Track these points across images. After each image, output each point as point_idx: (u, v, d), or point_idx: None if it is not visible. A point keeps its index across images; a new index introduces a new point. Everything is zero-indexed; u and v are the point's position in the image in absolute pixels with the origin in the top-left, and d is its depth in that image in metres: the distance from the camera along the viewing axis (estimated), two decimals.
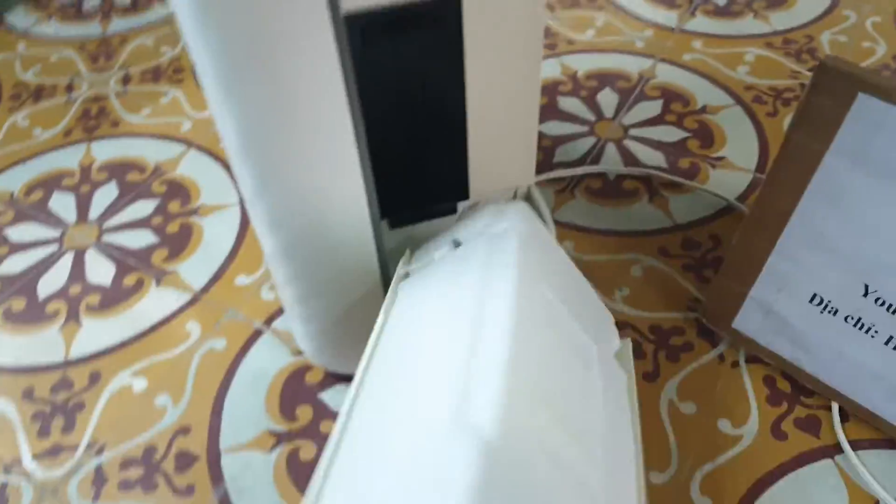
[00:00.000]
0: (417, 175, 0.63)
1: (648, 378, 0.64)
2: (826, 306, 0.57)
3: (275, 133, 0.44)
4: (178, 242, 0.80)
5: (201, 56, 0.41)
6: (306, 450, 0.61)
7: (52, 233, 0.83)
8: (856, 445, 0.59)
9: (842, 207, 0.53)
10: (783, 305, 0.60)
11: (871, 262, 0.53)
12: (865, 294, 0.55)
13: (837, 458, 0.58)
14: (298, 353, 0.68)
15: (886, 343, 0.55)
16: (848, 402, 0.60)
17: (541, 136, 0.89)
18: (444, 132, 0.60)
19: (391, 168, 0.61)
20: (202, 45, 0.40)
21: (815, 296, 0.57)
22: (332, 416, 0.63)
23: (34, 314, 0.75)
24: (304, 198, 0.48)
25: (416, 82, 0.56)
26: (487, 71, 0.56)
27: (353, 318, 0.58)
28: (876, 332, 0.55)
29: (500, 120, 0.60)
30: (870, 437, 0.59)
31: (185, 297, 0.74)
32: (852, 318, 0.56)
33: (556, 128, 0.90)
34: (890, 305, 0.53)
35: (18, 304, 0.76)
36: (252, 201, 0.50)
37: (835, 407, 0.61)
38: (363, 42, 0.51)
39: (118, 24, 1.20)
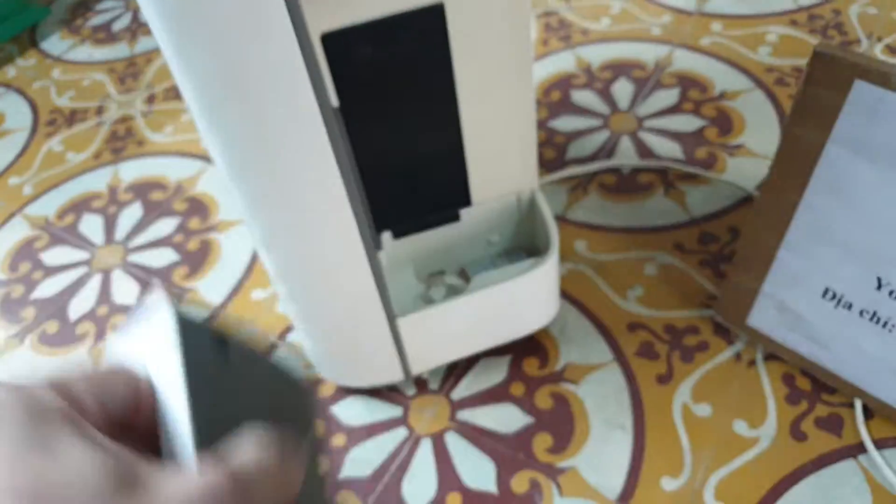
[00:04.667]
0: (416, 185, 0.63)
1: (662, 381, 0.62)
2: (840, 301, 0.55)
3: (254, 158, 0.44)
4: (198, 259, 0.82)
5: (185, 89, 0.42)
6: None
7: (82, 255, 0.86)
8: (880, 444, 0.56)
9: (846, 198, 0.51)
10: (797, 301, 0.58)
11: (881, 253, 0.51)
12: (879, 287, 0.52)
13: (861, 458, 0.56)
14: (311, 366, 0.69)
15: None
16: (871, 398, 0.57)
17: (553, 132, 0.88)
18: (439, 140, 0.60)
19: (387, 180, 0.61)
20: (184, 78, 0.41)
21: (827, 290, 0.55)
22: (343, 429, 0.64)
23: (66, 336, 0.77)
24: (292, 222, 0.48)
25: (404, 94, 0.56)
26: (477, 76, 0.56)
27: (357, 334, 0.58)
28: (893, 325, 0.53)
29: (495, 124, 0.60)
30: (895, 434, 0.57)
31: (203, 314, 0.76)
32: (867, 313, 0.54)
33: (569, 123, 0.89)
34: None
35: (52, 327, 0.79)
36: (247, 223, 0.51)
37: (858, 404, 0.58)
38: (344, 59, 0.51)
39: (145, 42, 1.23)
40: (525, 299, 0.62)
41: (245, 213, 0.50)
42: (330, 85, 0.52)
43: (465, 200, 0.64)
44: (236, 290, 0.78)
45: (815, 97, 0.49)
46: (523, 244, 0.69)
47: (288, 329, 0.72)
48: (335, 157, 0.44)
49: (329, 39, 0.49)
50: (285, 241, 0.50)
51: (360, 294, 0.54)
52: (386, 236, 0.64)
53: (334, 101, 0.53)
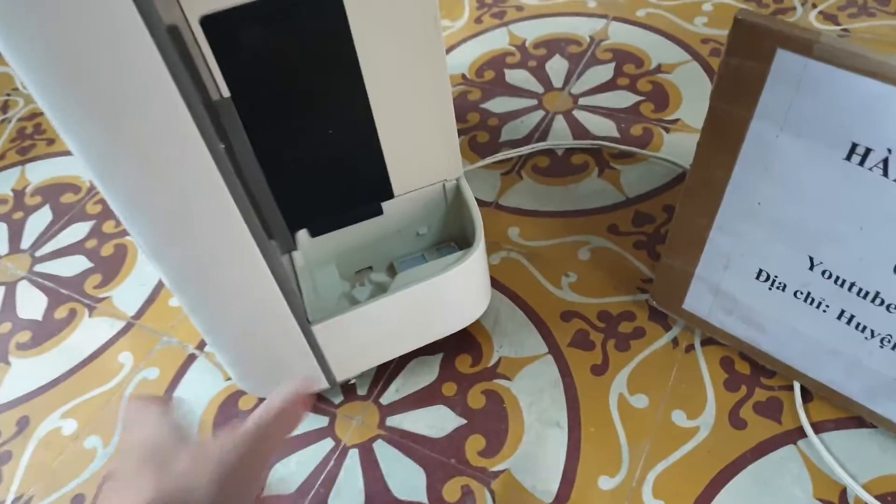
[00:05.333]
0: (330, 180, 0.58)
1: (597, 371, 0.60)
2: (773, 282, 0.52)
3: (119, 159, 0.40)
4: (112, 266, 0.77)
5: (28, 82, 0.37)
6: None
7: None
8: (819, 427, 0.54)
9: (774, 175, 0.48)
10: (731, 283, 0.55)
11: (811, 231, 0.48)
12: (811, 267, 0.50)
13: (800, 443, 0.54)
14: (228, 378, 0.64)
15: (839, 317, 0.50)
16: (809, 380, 0.55)
17: (487, 114, 0.84)
18: (350, 130, 0.55)
19: (298, 176, 0.57)
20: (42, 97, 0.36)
21: (760, 271, 0.53)
22: None
23: None
24: (174, 230, 0.44)
25: (304, 80, 0.51)
26: (384, 58, 0.51)
27: (269, 344, 0.54)
28: (827, 306, 0.50)
29: (410, 110, 0.55)
30: (834, 416, 0.55)
31: (118, 325, 0.71)
32: (801, 293, 0.51)
33: (502, 104, 0.85)
34: (837, 278, 0.49)
35: None
36: (130, 232, 0.46)
37: (797, 387, 0.56)
38: (230, 44, 0.47)
39: None
40: (452, 295, 0.58)
41: (123, 221, 0.45)
42: (218, 74, 0.47)
43: (387, 193, 0.60)
44: (153, 298, 0.73)
45: (739, 69, 0.46)
46: (454, 235, 0.65)
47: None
48: (212, 155, 0.39)
49: (210, 23, 0.44)
50: (171, 249, 0.46)
51: (265, 302, 0.49)
52: (303, 234, 0.60)
53: (224, 91, 0.48)
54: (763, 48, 0.44)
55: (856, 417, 0.54)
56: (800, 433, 0.54)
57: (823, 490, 0.51)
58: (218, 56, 0.46)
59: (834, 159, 0.44)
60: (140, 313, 0.72)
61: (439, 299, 0.58)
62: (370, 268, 0.65)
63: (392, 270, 0.65)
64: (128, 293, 0.74)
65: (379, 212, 0.61)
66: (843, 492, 0.51)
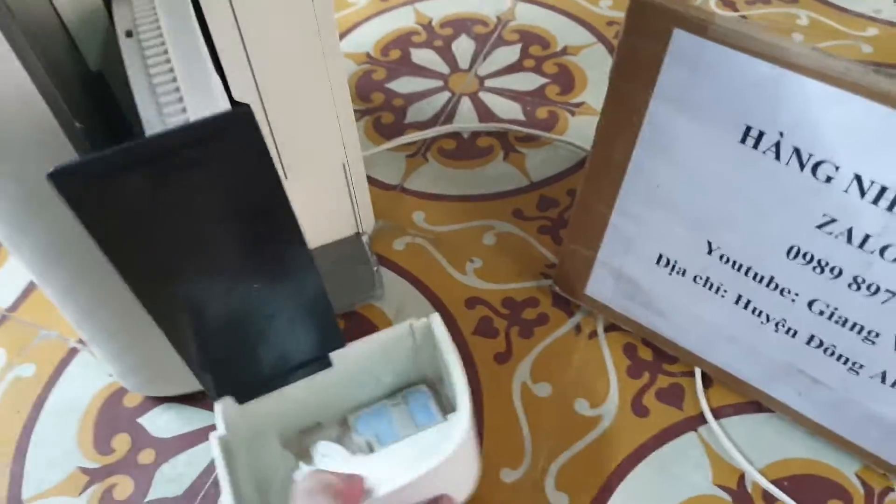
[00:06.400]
0: (262, 342, 0.44)
1: (501, 360, 0.58)
2: (674, 267, 0.52)
3: None
4: None
5: None
6: (123, 486, 0.54)
7: None
8: (719, 413, 0.54)
9: (672, 158, 0.47)
10: (632, 268, 0.54)
11: (708, 215, 0.48)
12: (710, 251, 0.49)
13: (701, 429, 0.54)
14: (111, 374, 0.60)
15: (736, 302, 0.50)
16: (709, 365, 0.55)
17: (392, 94, 0.82)
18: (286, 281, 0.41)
19: (217, 346, 0.42)
20: None
21: (661, 256, 0.52)
22: (153, 442, 0.56)
23: None
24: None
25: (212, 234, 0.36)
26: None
27: (149, 338, 0.50)
28: (725, 291, 0.50)
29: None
30: (734, 401, 0.55)
31: None
32: (700, 278, 0.51)
33: (408, 84, 0.83)
34: (734, 262, 0.48)
35: None
36: None
37: (697, 372, 0.56)
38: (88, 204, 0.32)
39: None
40: (438, 483, 0.42)
41: None
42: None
43: (336, 342, 0.47)
44: (31, 288, 0.68)
45: (636, 48, 0.45)
46: (422, 377, 0.53)
47: None
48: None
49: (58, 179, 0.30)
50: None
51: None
52: (228, 403, 0.45)
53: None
54: (660, 27, 0.43)
55: (754, 402, 0.54)
56: (700, 419, 0.54)
57: (723, 476, 0.51)
58: (80, 219, 0.32)
59: (729, 142, 0.44)
60: (15, 306, 0.66)
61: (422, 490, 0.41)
62: (318, 424, 0.52)
63: (346, 426, 0.51)
64: (3, 281, 0.68)
65: (327, 364, 0.47)
66: (742, 477, 0.51)
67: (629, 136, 0.49)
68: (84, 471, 0.55)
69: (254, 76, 0.50)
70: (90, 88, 0.44)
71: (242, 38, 0.47)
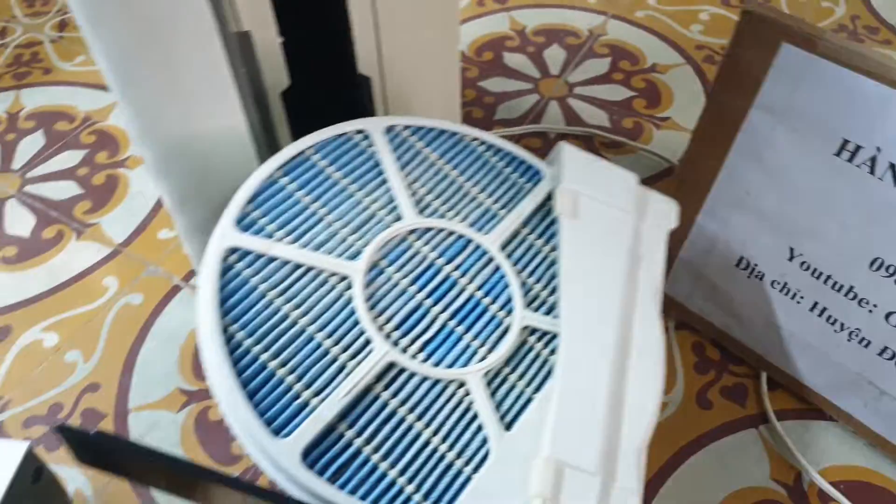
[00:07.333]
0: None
1: None
2: (752, 270, 0.55)
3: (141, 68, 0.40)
4: (103, 194, 0.77)
5: None
6: (216, 409, 0.59)
7: None
8: (781, 416, 0.57)
9: (765, 165, 0.51)
10: (712, 269, 0.58)
11: (794, 223, 0.51)
12: (791, 258, 0.53)
13: (762, 427, 0.57)
14: None
15: (811, 309, 0.53)
16: (776, 371, 0.58)
17: (483, 92, 0.86)
18: None
19: None
20: None
21: (741, 259, 0.55)
22: None
23: None
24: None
25: None
26: None
27: None
28: (802, 297, 0.53)
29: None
30: (796, 407, 0.58)
31: (105, 251, 0.71)
32: (778, 283, 0.54)
33: (499, 84, 0.87)
34: (815, 270, 0.51)
35: None
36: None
37: (763, 376, 0.59)
38: None
39: None
40: None
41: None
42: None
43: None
44: (142, 228, 0.73)
45: (742, 59, 0.49)
46: None
47: (192, 273, 0.69)
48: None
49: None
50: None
51: None
52: None
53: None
54: (769, 40, 0.47)
55: (816, 409, 0.57)
56: (762, 418, 0.57)
57: (780, 472, 0.54)
58: None
59: (824, 154, 0.47)
60: (128, 241, 0.72)
61: None
62: None
63: None
64: (117, 221, 0.74)
65: None
66: (799, 475, 0.54)
67: (725, 142, 0.52)
68: (183, 392, 0.60)
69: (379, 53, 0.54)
70: None
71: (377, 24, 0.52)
